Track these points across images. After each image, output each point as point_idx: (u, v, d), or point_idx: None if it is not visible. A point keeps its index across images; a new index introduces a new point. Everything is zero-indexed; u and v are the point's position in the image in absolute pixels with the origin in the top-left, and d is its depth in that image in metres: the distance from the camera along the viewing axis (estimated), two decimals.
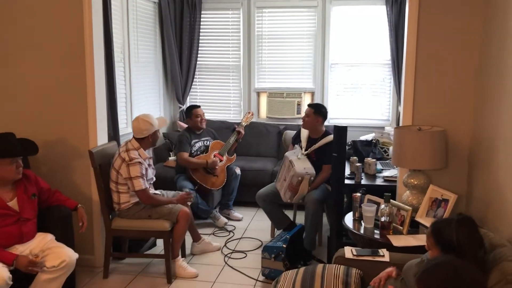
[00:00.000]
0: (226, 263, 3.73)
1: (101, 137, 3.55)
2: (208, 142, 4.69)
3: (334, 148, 3.33)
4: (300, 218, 4.08)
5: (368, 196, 3.15)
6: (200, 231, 4.34)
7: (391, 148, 4.53)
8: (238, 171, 4.74)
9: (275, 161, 5.31)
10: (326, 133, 4.02)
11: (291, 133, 5.12)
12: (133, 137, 3.43)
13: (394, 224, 2.86)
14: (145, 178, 3.37)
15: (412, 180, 3.01)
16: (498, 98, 2.61)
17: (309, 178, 3.75)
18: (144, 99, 5.27)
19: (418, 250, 2.47)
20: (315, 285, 2.34)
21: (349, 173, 3.94)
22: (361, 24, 5.42)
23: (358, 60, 5.51)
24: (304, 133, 4.11)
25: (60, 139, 3.52)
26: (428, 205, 2.90)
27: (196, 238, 3.88)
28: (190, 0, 5.53)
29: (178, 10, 5.60)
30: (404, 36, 3.22)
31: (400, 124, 3.28)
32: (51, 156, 3.52)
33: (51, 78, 3.48)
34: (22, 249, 2.73)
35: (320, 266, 2.50)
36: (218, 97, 5.99)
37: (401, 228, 2.83)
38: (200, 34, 5.68)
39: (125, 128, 4.78)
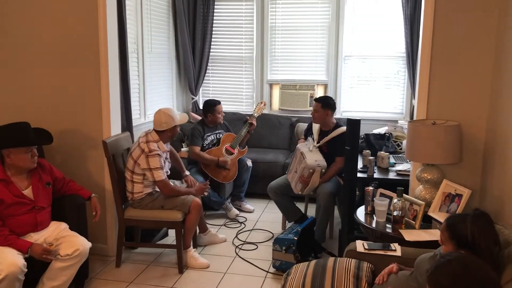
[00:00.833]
0: (237, 254, 3.75)
1: (115, 128, 3.58)
2: (220, 135, 4.69)
3: (347, 141, 3.31)
4: (312, 211, 4.08)
5: (380, 190, 3.13)
6: (212, 222, 4.37)
7: (404, 141, 4.50)
8: (249, 163, 4.74)
9: (287, 153, 5.30)
10: (337, 125, 4.00)
11: (303, 125, 5.10)
12: (153, 129, 3.45)
13: (406, 218, 2.84)
14: (164, 170, 3.40)
15: (426, 175, 2.98)
16: None
17: (320, 170, 3.75)
18: (157, 90, 5.29)
19: (430, 244, 2.45)
20: (326, 278, 2.35)
21: (361, 166, 3.92)
22: (376, 16, 5.35)
23: (372, 52, 5.45)
24: (316, 126, 4.10)
25: (75, 129, 3.56)
26: (441, 200, 2.88)
27: (203, 229, 3.90)
28: None
29: (192, 1, 5.58)
30: (419, 29, 3.17)
31: (414, 118, 3.25)
32: (66, 146, 3.57)
33: (67, 70, 3.51)
34: (36, 237, 2.77)
35: (331, 260, 2.50)
36: (230, 89, 5.99)
37: (414, 222, 2.81)
38: (214, 25, 5.67)
39: (138, 119, 4.81)
